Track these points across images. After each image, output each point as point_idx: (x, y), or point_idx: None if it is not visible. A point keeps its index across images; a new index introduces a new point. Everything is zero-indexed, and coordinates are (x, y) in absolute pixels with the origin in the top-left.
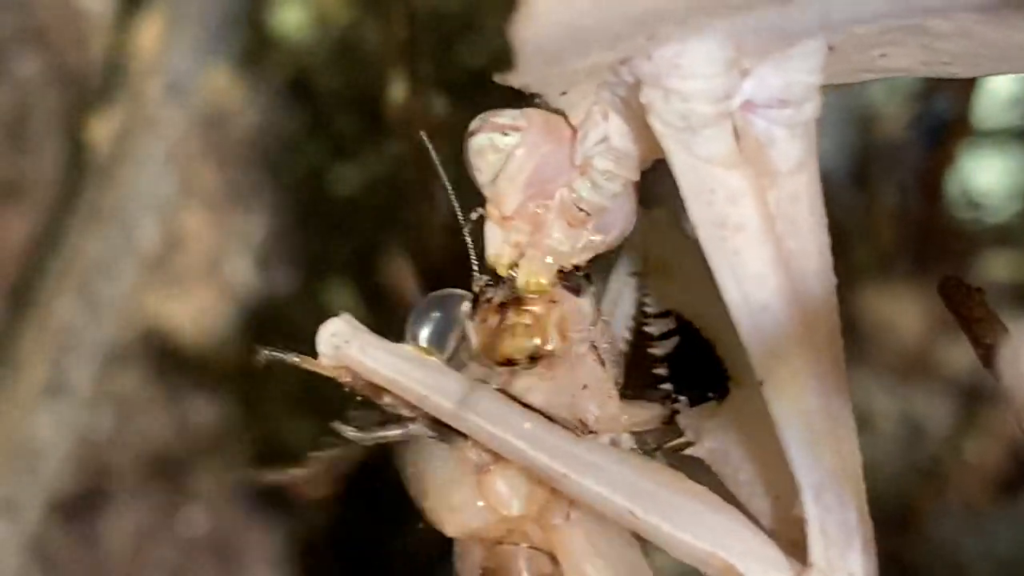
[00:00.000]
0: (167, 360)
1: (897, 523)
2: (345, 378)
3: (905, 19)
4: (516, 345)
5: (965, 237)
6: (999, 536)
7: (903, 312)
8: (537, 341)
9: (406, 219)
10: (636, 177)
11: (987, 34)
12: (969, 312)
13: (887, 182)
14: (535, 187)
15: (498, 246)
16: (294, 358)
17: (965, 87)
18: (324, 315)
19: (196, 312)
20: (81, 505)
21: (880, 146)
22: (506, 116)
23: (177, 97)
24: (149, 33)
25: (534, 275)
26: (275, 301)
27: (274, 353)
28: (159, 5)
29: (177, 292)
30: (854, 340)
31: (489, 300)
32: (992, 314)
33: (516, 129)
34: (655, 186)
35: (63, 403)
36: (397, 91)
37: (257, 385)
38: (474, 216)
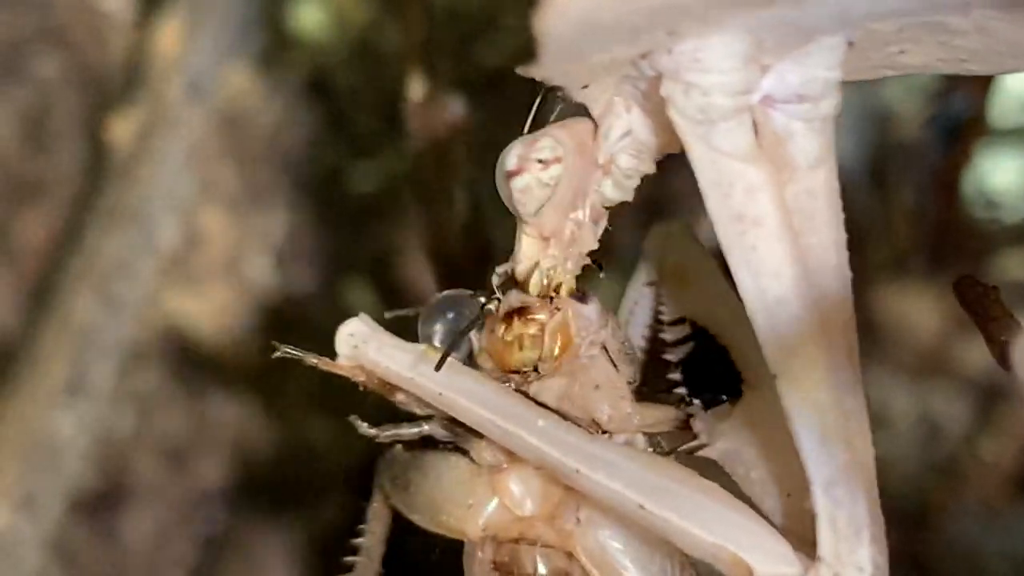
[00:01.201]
0: (186, 359)
1: (914, 521)
2: (359, 377)
3: (923, 16)
4: (522, 358)
5: (981, 236)
6: (1016, 534)
7: (920, 311)
8: (542, 352)
9: (425, 218)
10: (652, 171)
11: (1005, 31)
12: (985, 311)
13: (904, 181)
14: (573, 202)
15: (533, 263)
16: (312, 359)
17: (982, 87)
18: (343, 314)
19: (215, 311)
20: (101, 503)
21: (897, 145)
22: (544, 149)
23: (197, 97)
24: (169, 33)
25: (571, 281)
26: (294, 300)
27: (291, 351)
28: (179, 5)
29: (196, 291)
30: (871, 339)
31: (496, 310)
32: (1008, 313)
33: (558, 161)
34: (673, 192)
35: (83, 401)
36: (415, 90)
37: (276, 383)
38: (497, 281)
